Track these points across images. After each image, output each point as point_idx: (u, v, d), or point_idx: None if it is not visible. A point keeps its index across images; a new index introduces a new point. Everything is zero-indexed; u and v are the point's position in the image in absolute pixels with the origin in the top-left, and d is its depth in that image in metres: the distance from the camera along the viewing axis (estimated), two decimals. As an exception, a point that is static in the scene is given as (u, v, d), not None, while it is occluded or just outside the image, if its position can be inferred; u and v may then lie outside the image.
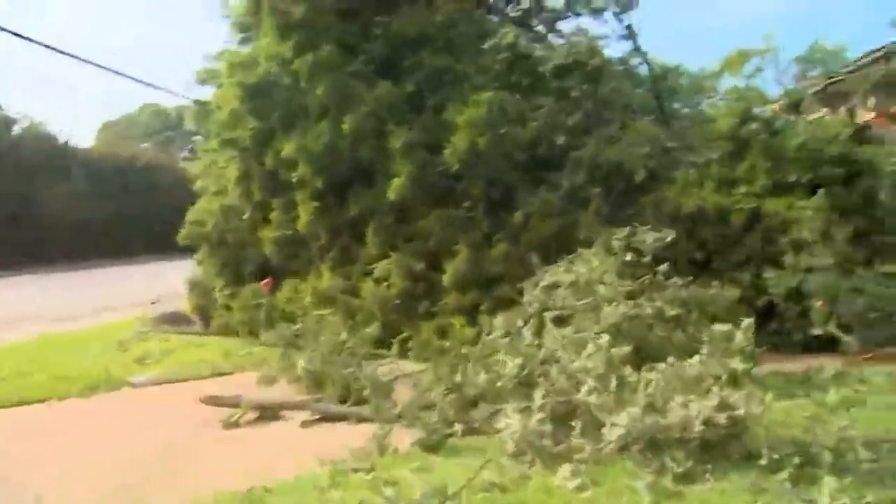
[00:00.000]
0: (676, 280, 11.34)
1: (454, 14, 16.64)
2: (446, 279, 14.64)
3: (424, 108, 16.14)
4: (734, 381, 8.10)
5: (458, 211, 15.17)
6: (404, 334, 13.62)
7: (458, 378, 10.10)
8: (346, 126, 15.64)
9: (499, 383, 9.45)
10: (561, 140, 15.46)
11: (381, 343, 12.94)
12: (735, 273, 13.66)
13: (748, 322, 8.91)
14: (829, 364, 11.74)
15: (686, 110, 22.18)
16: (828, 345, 12.64)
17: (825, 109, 22.28)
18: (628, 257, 11.95)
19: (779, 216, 13.78)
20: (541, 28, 19.59)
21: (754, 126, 14.65)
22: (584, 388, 8.46)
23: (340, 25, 16.66)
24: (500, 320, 11.75)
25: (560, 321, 11.02)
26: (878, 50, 23.83)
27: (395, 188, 15.21)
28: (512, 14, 19.23)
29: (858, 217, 13.80)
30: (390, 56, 16.63)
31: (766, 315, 13.04)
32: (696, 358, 8.57)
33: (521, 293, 13.00)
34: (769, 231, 13.84)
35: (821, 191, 13.43)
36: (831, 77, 24.03)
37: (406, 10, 16.47)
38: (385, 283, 15.24)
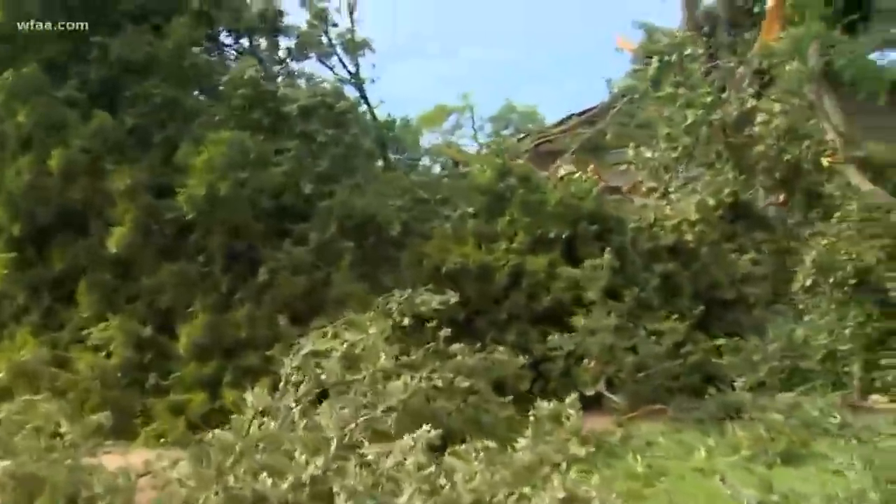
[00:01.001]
0: (461, 346, 10.44)
1: (185, 42, 14.62)
2: (181, 346, 12.54)
3: (151, 145, 13.96)
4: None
5: (192, 266, 13.13)
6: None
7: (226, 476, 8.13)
8: (54, 161, 13.01)
9: (283, 485, 7.63)
10: (308, 188, 14.03)
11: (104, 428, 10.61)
12: (499, 333, 13.05)
13: (573, 398, 8.07)
14: (596, 423, 11.31)
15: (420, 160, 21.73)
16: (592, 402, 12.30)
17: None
18: (406, 321, 10.84)
19: (539, 274, 13.36)
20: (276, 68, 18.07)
21: (511, 181, 14.19)
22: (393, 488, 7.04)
23: (49, 41, 13.98)
24: (251, 396, 9.97)
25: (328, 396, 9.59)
26: (586, 112, 25.10)
27: (117, 238, 12.85)
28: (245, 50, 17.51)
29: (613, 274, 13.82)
30: (109, 82, 14.24)
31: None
32: (523, 441, 7.52)
33: (270, 362, 11.48)
34: (533, 288, 13.37)
35: (608, 249, 13.25)
36: (542, 135, 24.84)
37: (130, 32, 14.19)
38: (104, 353, 12.77)
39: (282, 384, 10.30)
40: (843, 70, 18.93)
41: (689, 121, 15.85)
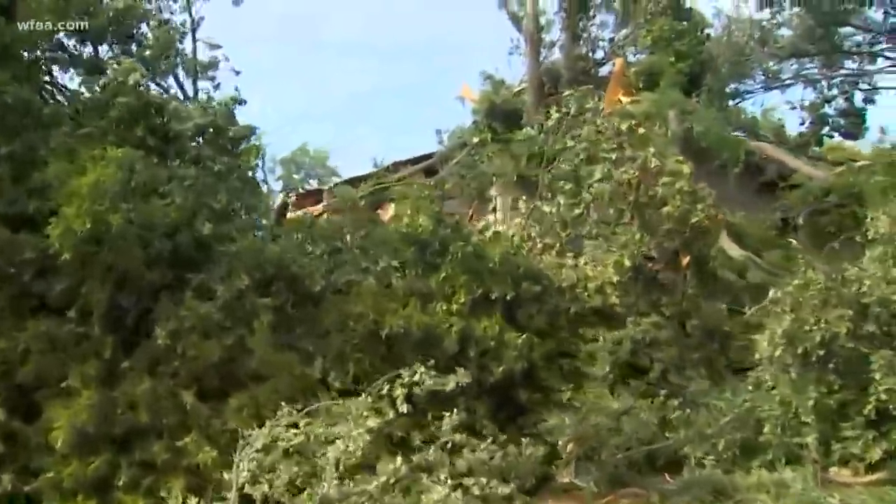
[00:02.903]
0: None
1: (42, 32, 11.26)
2: (56, 436, 9.21)
3: None
4: None
5: (63, 324, 9.84)
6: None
7: None
8: None
9: None
10: (206, 227, 11.22)
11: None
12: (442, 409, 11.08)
13: None
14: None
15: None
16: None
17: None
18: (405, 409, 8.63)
19: (488, 340, 11.61)
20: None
21: (447, 231, 12.36)
22: None
23: None
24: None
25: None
26: (419, 159, 23.84)
27: None
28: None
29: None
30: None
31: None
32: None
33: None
34: (483, 357, 11.57)
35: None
36: (379, 182, 22.99)
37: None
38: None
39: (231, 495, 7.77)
40: (701, 137, 19.44)
41: (596, 177, 15.04)
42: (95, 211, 9.63)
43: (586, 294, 13.77)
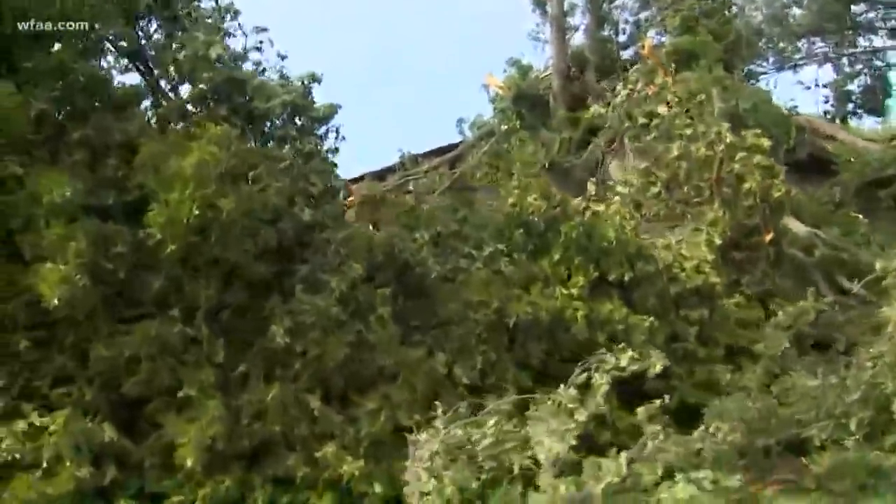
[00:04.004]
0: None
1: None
2: (183, 454, 7.90)
3: (72, 143, 9.12)
4: None
5: (171, 327, 8.53)
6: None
7: None
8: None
9: None
10: (307, 214, 10.00)
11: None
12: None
13: None
14: None
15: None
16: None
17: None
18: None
19: (616, 324, 10.61)
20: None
21: (555, 211, 11.33)
22: None
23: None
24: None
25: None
26: (445, 150, 22.67)
27: (52, 282, 7.93)
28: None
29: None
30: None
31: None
32: None
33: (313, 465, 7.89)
34: (611, 342, 10.52)
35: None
36: (406, 173, 21.76)
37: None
38: (39, 470, 7.67)
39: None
40: (748, 114, 18.71)
41: (674, 153, 14.18)
42: (203, 195, 8.39)
43: (684, 274, 12.89)
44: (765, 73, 24.67)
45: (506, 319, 10.06)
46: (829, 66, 24.83)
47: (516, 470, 7.19)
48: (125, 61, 10.47)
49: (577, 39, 21.89)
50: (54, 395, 8.21)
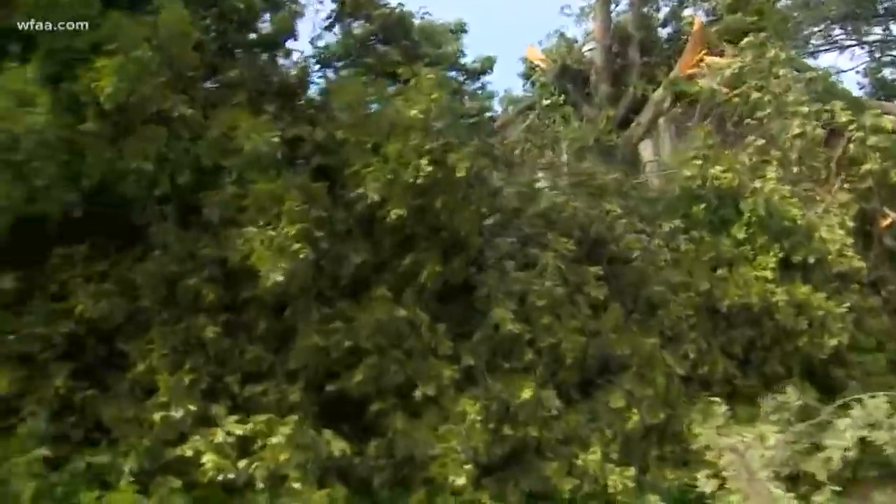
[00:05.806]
0: None
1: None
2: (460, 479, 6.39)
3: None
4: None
5: (392, 311, 6.96)
6: None
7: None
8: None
9: None
10: (494, 177, 8.55)
11: None
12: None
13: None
14: None
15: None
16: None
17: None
18: None
19: (816, 310, 9.51)
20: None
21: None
22: None
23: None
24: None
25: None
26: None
27: (264, 255, 6.29)
28: None
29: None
30: None
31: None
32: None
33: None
34: (816, 330, 9.45)
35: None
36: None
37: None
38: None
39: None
40: (819, 97, 17.93)
41: (795, 131, 13.18)
42: (431, 150, 6.85)
43: (829, 257, 11.94)
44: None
45: (716, 304, 8.86)
46: (847, 53, 24.56)
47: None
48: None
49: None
50: (246, 393, 6.59)
